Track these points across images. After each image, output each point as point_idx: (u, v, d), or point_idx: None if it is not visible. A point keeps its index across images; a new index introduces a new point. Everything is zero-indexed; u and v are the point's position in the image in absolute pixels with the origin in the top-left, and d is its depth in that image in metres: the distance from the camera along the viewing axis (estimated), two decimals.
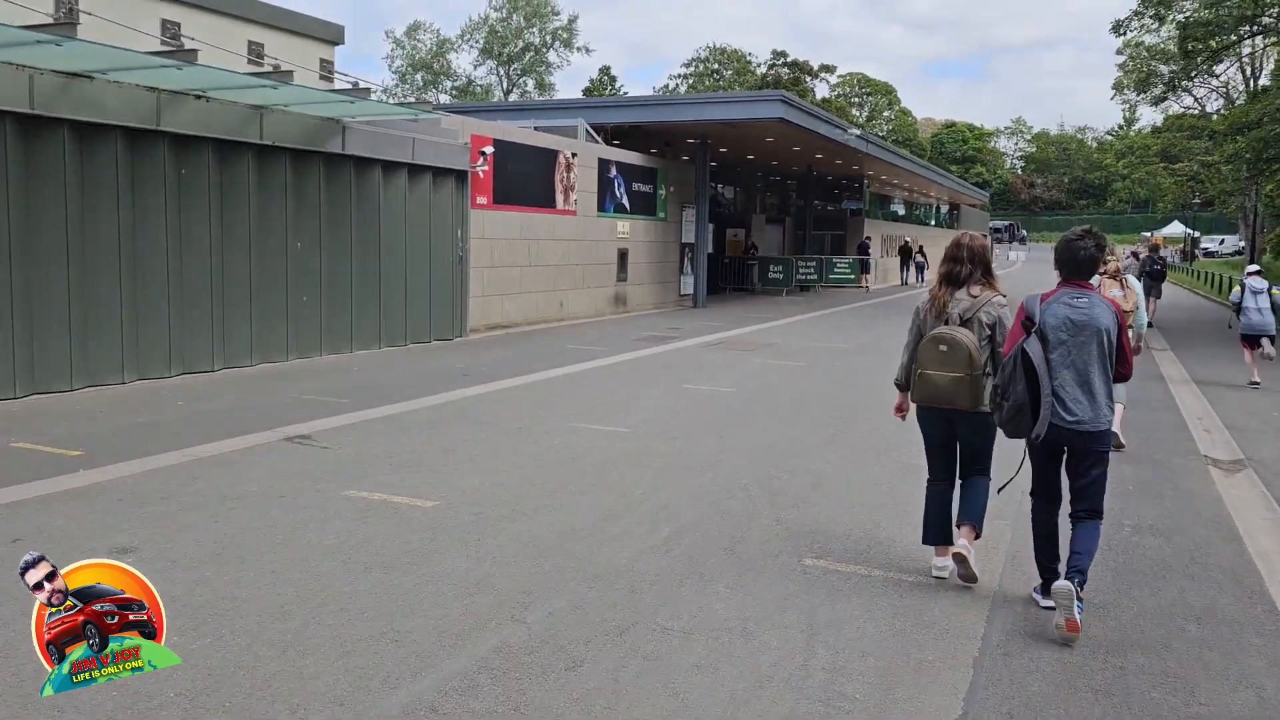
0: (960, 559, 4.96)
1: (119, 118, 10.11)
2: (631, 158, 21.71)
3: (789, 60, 78.38)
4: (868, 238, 36.01)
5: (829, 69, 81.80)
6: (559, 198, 18.78)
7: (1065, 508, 4.85)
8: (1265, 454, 8.73)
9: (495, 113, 23.27)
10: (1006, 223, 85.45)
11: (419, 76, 72.99)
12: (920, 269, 40.81)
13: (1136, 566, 5.50)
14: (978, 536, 5.08)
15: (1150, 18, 21.41)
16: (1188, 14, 20.51)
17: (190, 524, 5.68)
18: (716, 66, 78.91)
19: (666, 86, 78.70)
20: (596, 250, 20.41)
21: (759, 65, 78.36)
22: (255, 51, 22.28)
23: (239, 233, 11.68)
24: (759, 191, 37.21)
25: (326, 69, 25.34)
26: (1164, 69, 39.80)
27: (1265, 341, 13.06)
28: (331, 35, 27.77)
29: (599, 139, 21.13)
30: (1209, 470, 8.05)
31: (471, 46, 73.95)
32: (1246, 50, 41.50)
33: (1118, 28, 22.04)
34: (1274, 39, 32.52)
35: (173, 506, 6.03)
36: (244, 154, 11.60)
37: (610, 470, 7.25)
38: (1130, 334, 6.85)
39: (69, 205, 9.75)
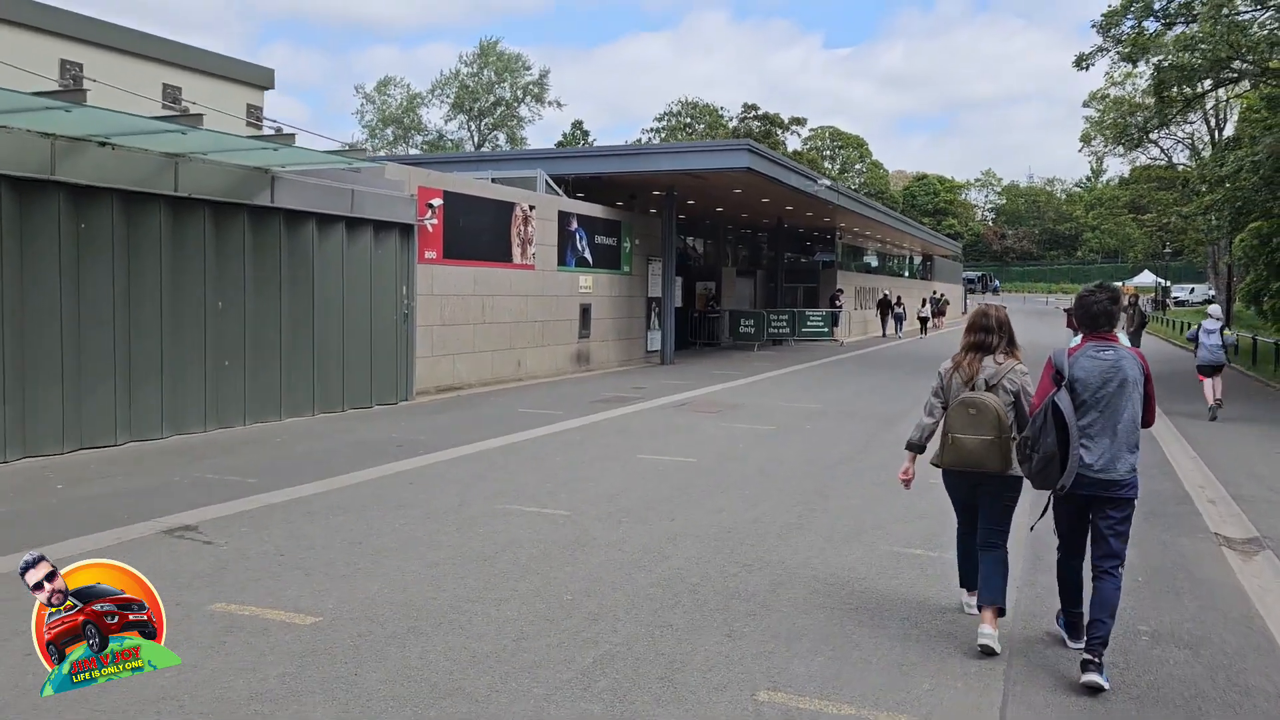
0: (986, 650, 4.87)
1: (5, 166, 9.10)
2: (594, 210, 20.90)
3: (760, 113, 78.68)
4: (839, 289, 35.36)
5: (800, 122, 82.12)
6: (515, 251, 17.88)
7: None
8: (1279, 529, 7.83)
9: (452, 164, 22.43)
10: (979, 273, 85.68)
11: (389, 131, 72.55)
12: (899, 320, 40.23)
13: (1165, 694, 4.50)
14: (1002, 614, 5.06)
15: (1118, 56, 20.98)
16: (1161, 58, 20.14)
17: None
18: (689, 120, 79.10)
19: (639, 140, 78.62)
20: (557, 306, 19.48)
21: (730, 119, 78.64)
22: (171, 96, 21.26)
23: (149, 292, 10.62)
24: (729, 244, 36.59)
25: (254, 115, 24.38)
26: (1131, 120, 39.86)
27: (1209, 382, 14.78)
28: (260, 80, 26.61)
29: (560, 190, 20.32)
30: (1223, 553, 7.12)
31: (442, 101, 73.73)
32: (1210, 103, 41.79)
33: (1080, 61, 21.60)
34: (1236, 92, 32.54)
35: None
36: (155, 207, 10.60)
37: (538, 568, 6.19)
38: None
39: None
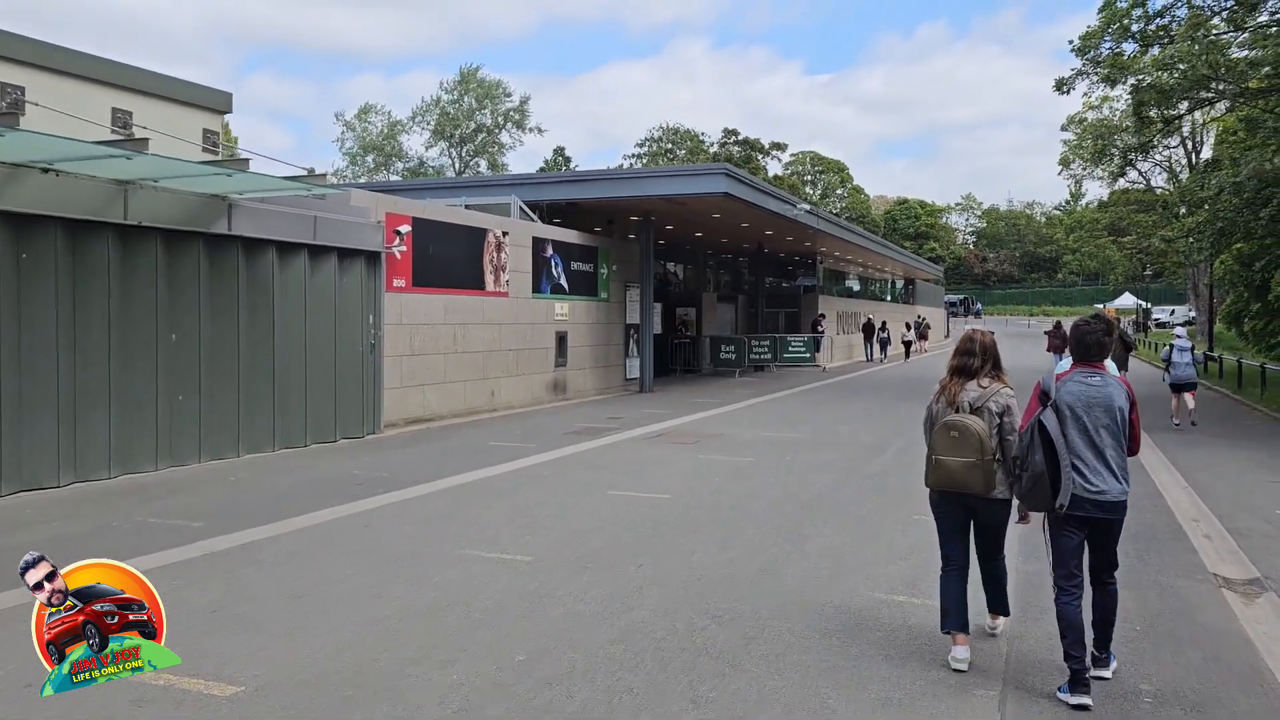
0: (994, 636, 5.51)
1: None
2: (570, 236, 20.54)
3: (741, 138, 78.83)
4: (821, 314, 35.10)
5: (780, 147, 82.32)
6: (488, 278, 17.47)
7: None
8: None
9: (425, 190, 22.05)
10: (961, 296, 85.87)
11: (370, 158, 72.19)
12: (884, 345, 39.98)
13: None
14: (1006, 614, 5.55)
15: (1099, 79, 20.88)
16: (1140, 78, 20.03)
17: None
18: (670, 146, 79.13)
19: (620, 166, 78.63)
20: (532, 334, 19.06)
21: (711, 145, 78.75)
22: (121, 120, 20.67)
23: (96, 324, 10.15)
24: (710, 269, 36.32)
25: (210, 140, 23.85)
26: (1110, 142, 40.03)
27: (1188, 396, 15.91)
28: (217, 104, 25.96)
29: (534, 216, 19.96)
30: (1223, 595, 6.72)
31: (423, 128, 73.48)
32: (1187, 127, 42.03)
33: (1060, 85, 21.48)
34: (1212, 116, 32.61)
35: None
36: (103, 235, 10.14)
37: (492, 623, 5.73)
38: None
39: None
